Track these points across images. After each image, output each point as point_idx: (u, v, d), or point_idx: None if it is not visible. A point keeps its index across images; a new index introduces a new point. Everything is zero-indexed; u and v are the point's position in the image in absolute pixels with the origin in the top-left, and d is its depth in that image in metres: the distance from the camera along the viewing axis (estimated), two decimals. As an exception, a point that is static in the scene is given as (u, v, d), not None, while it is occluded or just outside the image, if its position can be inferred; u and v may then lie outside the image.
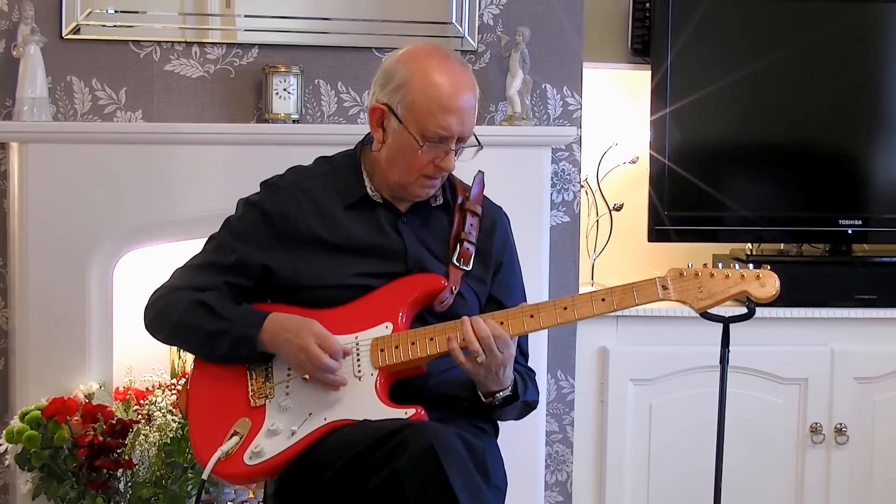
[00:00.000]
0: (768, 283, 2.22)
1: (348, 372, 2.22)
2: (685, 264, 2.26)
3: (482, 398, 2.28)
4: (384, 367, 2.22)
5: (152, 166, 3.02)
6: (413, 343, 2.22)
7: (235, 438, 2.21)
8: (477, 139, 2.31)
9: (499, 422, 2.41)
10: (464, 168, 2.37)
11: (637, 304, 2.23)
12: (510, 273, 2.45)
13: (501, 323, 2.21)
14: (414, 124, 2.24)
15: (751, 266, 2.25)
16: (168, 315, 2.32)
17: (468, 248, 2.34)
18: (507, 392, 2.27)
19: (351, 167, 2.38)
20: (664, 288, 2.22)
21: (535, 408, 2.43)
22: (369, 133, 2.35)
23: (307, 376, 2.21)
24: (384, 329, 2.25)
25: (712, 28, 3.46)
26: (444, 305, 2.30)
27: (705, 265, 2.26)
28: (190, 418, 2.31)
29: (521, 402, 2.32)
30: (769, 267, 2.25)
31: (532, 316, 2.22)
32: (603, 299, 2.22)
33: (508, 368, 2.24)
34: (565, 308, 2.22)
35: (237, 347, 2.25)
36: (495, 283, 2.41)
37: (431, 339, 2.21)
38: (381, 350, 2.23)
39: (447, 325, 2.22)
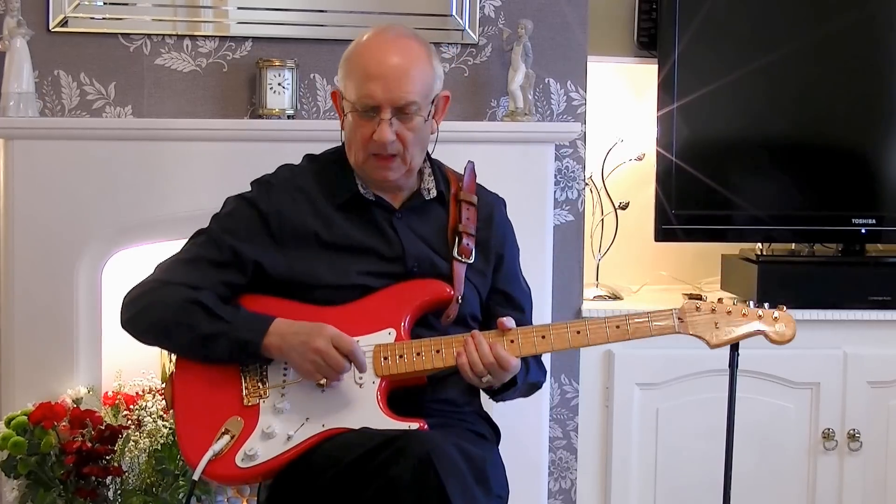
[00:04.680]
0: (787, 327, 2.30)
1: (348, 378, 2.18)
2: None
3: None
4: (387, 376, 2.19)
5: (142, 163, 3.01)
6: (419, 354, 2.20)
7: (227, 438, 2.16)
8: (431, 114, 2.26)
9: (503, 402, 2.39)
10: (457, 161, 2.37)
11: (652, 335, 2.27)
12: (512, 264, 2.45)
13: (512, 341, 2.20)
14: (349, 96, 2.24)
15: (766, 305, 2.30)
16: (155, 312, 2.24)
17: (467, 242, 2.32)
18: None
19: (338, 165, 2.34)
20: (680, 320, 2.28)
21: (540, 387, 2.44)
22: None
23: (323, 381, 2.15)
24: (387, 335, 2.22)
25: (721, 20, 3.46)
26: (450, 320, 2.28)
27: (720, 300, 2.31)
28: (177, 412, 2.24)
29: (522, 385, 2.32)
30: (785, 308, 2.30)
31: (544, 337, 2.23)
32: (618, 326, 2.25)
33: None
34: (578, 332, 2.25)
35: (238, 351, 2.20)
36: (500, 276, 2.40)
37: (438, 352, 2.19)
38: (385, 358, 2.20)
39: (455, 339, 2.20)
